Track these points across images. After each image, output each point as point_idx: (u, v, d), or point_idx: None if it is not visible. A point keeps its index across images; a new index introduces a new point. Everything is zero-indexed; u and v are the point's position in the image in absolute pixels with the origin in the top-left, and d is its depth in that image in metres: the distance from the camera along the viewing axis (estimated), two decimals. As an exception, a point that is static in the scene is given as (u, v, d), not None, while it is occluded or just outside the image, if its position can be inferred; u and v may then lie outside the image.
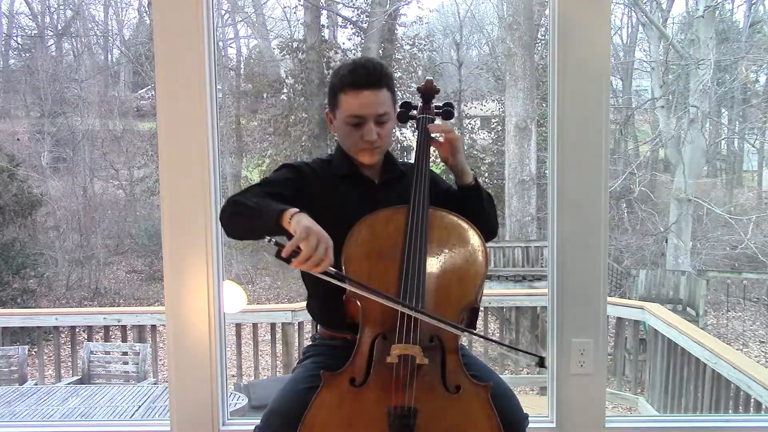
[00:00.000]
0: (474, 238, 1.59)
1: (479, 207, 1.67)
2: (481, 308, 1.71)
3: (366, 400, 1.47)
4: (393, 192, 1.65)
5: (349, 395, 1.47)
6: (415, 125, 1.75)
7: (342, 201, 1.64)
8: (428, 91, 1.77)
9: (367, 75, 1.59)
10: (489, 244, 1.68)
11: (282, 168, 1.70)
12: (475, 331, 1.60)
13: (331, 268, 1.40)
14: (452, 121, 1.92)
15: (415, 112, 1.78)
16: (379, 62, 1.66)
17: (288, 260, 1.36)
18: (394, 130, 1.84)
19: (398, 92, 1.85)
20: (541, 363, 1.52)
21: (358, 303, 1.52)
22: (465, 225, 1.60)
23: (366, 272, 1.53)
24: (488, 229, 1.70)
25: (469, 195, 1.68)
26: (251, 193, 1.57)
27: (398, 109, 1.75)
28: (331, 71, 13.62)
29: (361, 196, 1.64)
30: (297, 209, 1.43)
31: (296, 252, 1.36)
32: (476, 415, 1.48)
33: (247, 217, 1.51)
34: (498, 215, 1.81)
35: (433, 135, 1.69)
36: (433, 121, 1.75)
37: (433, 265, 1.55)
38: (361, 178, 1.69)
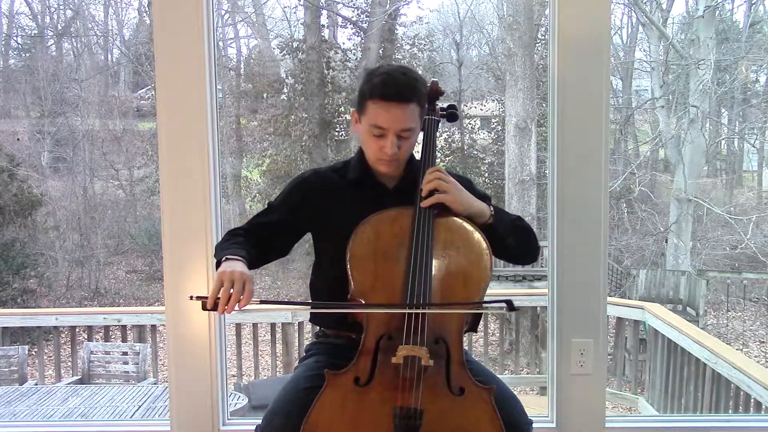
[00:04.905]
0: (479, 241, 1.57)
1: (500, 244, 1.61)
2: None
3: (370, 400, 1.47)
4: (405, 198, 1.62)
5: (353, 394, 1.48)
6: (420, 126, 1.73)
7: (351, 207, 1.62)
8: (433, 93, 1.75)
9: (398, 89, 1.56)
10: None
11: (290, 183, 1.76)
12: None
13: (255, 299, 1.46)
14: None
15: None
16: (413, 76, 1.61)
17: (215, 309, 1.44)
18: None
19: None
20: (510, 306, 1.48)
21: (363, 302, 1.52)
22: (470, 228, 1.59)
23: (371, 271, 1.54)
24: (522, 259, 1.70)
25: (487, 234, 1.61)
26: (228, 236, 1.66)
27: None
28: (331, 70, 13.62)
29: (372, 201, 1.62)
30: (226, 256, 1.51)
31: (219, 298, 1.43)
32: (480, 418, 1.49)
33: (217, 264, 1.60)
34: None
35: (425, 201, 1.58)
36: (438, 122, 1.74)
37: (438, 267, 1.55)
38: (374, 184, 1.68)
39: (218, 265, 1.52)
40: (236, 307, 1.44)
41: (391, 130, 1.57)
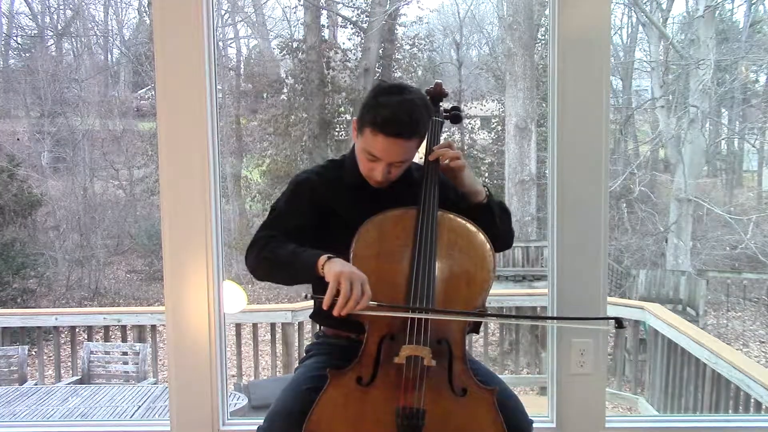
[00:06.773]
0: (483, 243, 1.58)
1: (490, 223, 1.64)
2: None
3: (373, 400, 1.48)
4: (403, 198, 1.62)
5: (355, 394, 1.48)
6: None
7: (350, 207, 1.63)
8: (437, 95, 1.76)
9: (401, 130, 1.54)
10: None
11: (291, 187, 1.69)
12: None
13: (372, 302, 1.44)
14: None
15: None
16: (418, 114, 1.55)
17: (330, 309, 1.42)
18: None
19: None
20: (619, 324, 1.53)
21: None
22: (474, 229, 1.60)
23: (374, 272, 1.52)
24: (501, 244, 1.70)
25: (479, 212, 1.65)
26: (275, 243, 1.57)
27: None
28: (331, 70, 13.60)
29: (369, 201, 1.62)
30: (326, 256, 1.47)
31: (336, 299, 1.41)
32: (482, 419, 1.49)
33: (282, 269, 1.56)
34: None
35: (433, 158, 1.64)
36: (442, 124, 1.75)
37: (441, 268, 1.55)
38: (370, 185, 1.68)
39: (310, 266, 1.47)
40: (354, 310, 1.41)
41: (385, 161, 1.57)
